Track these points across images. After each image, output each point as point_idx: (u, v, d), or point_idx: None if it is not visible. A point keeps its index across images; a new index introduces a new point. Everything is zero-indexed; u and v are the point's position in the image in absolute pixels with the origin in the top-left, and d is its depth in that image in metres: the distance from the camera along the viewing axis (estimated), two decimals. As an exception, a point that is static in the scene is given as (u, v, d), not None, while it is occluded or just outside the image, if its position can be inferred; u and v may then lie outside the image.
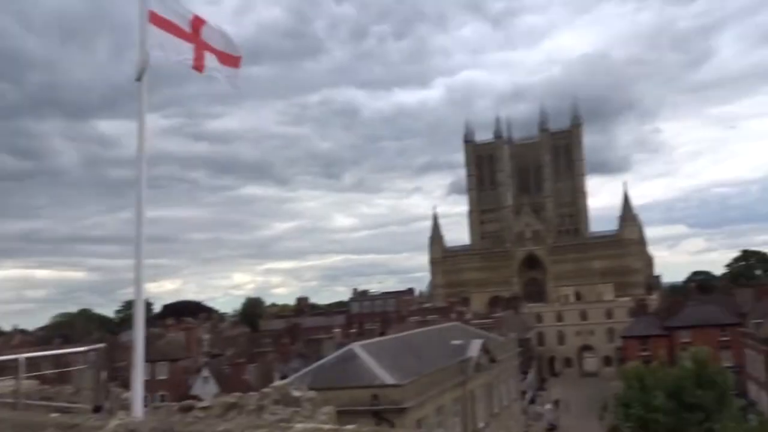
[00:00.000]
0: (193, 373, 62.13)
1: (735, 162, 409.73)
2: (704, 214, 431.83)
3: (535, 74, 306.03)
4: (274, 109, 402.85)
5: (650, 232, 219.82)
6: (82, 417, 4.14)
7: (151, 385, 59.41)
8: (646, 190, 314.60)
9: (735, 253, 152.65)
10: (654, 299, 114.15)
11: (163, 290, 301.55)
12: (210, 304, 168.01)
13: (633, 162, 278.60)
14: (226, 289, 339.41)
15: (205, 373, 59.50)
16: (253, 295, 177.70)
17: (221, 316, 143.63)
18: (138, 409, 6.04)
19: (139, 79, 6.26)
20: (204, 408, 6.45)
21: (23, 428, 4.13)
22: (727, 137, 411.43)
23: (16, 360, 6.59)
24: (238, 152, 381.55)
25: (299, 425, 3.15)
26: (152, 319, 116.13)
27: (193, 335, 68.39)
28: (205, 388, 55.96)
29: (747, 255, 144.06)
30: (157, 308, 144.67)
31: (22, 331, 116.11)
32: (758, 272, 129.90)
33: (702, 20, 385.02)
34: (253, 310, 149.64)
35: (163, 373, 61.05)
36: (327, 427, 3.06)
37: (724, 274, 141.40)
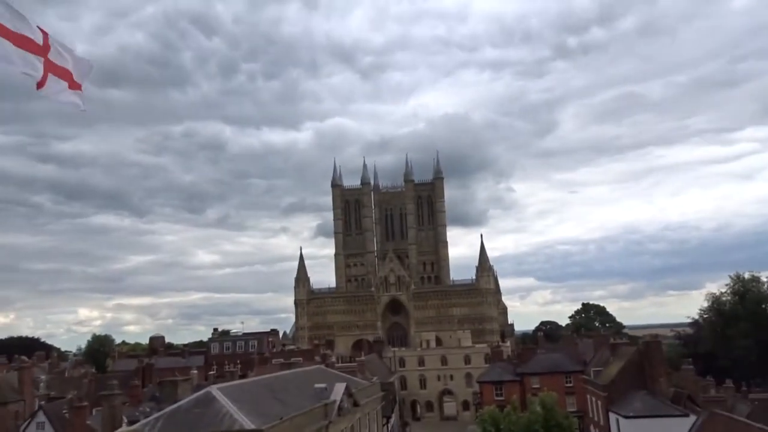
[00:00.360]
0: (26, 418, 55.39)
1: (576, 223, 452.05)
2: (550, 268, 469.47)
3: (401, 127, 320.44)
4: (132, 136, 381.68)
5: (504, 283, 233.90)
6: None
7: (-30, 432, 52.18)
8: (500, 243, 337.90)
9: (576, 306, 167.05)
10: (507, 346, 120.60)
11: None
12: (49, 341, 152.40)
13: (489, 216, 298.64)
14: (69, 324, 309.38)
15: (41, 417, 53.22)
16: (100, 332, 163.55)
17: (62, 355, 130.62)
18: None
19: None
20: None
21: None
22: (570, 200, 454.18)
23: None
24: (89, 178, 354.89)
25: None
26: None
27: (27, 375, 61.15)
28: (38, 435, 50.09)
29: (587, 308, 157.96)
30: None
31: None
32: (597, 323, 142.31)
33: (547, 95, 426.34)
34: (100, 348, 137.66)
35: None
36: None
37: (568, 325, 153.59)
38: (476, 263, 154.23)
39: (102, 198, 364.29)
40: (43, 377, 73.29)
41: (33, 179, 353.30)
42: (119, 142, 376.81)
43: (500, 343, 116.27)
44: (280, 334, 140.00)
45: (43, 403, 59.16)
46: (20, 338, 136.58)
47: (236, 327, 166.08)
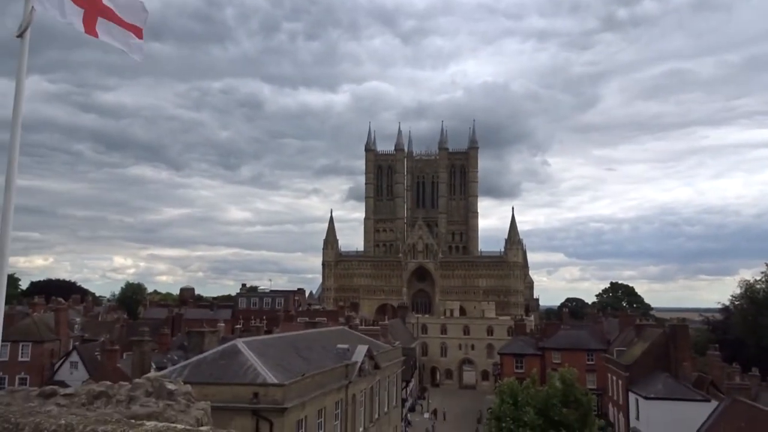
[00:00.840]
0: (61, 357, 57.89)
1: (611, 201, 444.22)
2: (581, 245, 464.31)
3: (438, 94, 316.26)
4: (172, 91, 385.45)
5: (532, 257, 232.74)
6: None
7: (10, 367, 54.77)
8: (532, 216, 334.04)
9: (605, 284, 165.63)
10: (531, 320, 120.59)
11: (33, 266, 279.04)
12: (85, 285, 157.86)
13: (522, 189, 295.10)
14: (104, 271, 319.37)
15: (74, 357, 55.61)
16: (134, 280, 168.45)
17: (97, 300, 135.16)
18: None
19: (20, 35, 5.70)
20: (68, 395, 5.89)
21: None
22: (606, 177, 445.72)
23: None
24: (130, 129, 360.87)
25: (150, 423, 2.98)
26: (17, 296, 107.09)
27: (63, 317, 63.59)
28: (73, 374, 52.29)
29: (615, 287, 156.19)
30: (24, 284, 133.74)
31: None
32: (624, 303, 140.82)
33: (592, 68, 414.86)
34: (132, 296, 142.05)
35: (25, 354, 56.37)
36: (180, 426, 2.93)
37: (594, 303, 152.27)
38: (505, 236, 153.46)
39: (140, 150, 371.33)
40: (78, 319, 76.10)
41: (75, 128, 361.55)
42: (159, 95, 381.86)
43: (524, 317, 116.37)
44: (306, 294, 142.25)
45: (77, 344, 61.63)
46: (57, 281, 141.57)
47: (264, 284, 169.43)
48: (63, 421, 3.05)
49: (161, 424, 2.95)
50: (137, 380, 6.64)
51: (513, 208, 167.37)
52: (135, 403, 5.94)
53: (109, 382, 6.47)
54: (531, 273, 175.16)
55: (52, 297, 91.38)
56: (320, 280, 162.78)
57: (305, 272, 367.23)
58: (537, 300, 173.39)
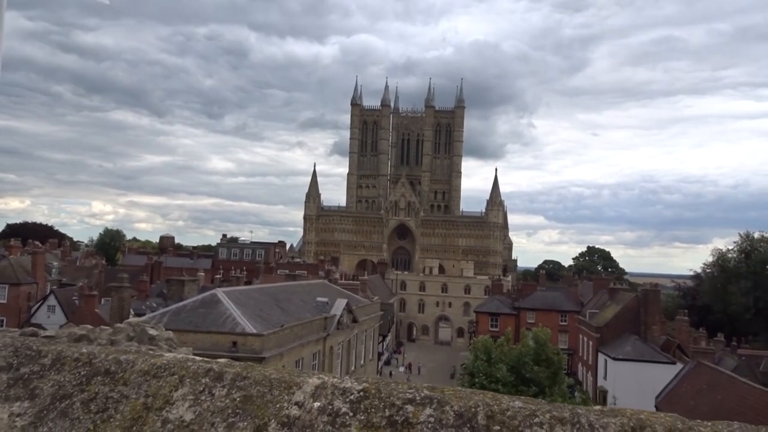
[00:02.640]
0: (38, 300, 57.77)
1: (593, 166, 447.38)
2: (561, 209, 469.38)
3: (428, 50, 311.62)
4: (156, 34, 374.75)
5: (512, 219, 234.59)
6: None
7: (-14, 308, 54.56)
8: (514, 178, 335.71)
9: (582, 248, 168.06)
10: (508, 280, 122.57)
11: (8, 208, 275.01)
12: (62, 230, 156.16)
13: (506, 151, 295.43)
14: (82, 216, 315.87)
15: (51, 301, 55.52)
16: (112, 226, 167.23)
17: (74, 244, 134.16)
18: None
19: None
20: (49, 337, 5.92)
21: None
22: (590, 142, 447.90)
23: None
24: (111, 72, 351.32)
25: (168, 354, 3.15)
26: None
27: (40, 260, 63.16)
28: (50, 317, 52.30)
29: (591, 251, 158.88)
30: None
31: None
32: (600, 268, 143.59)
33: (583, 31, 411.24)
34: (111, 242, 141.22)
35: (1, 297, 56.15)
36: (198, 358, 3.02)
37: (570, 266, 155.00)
38: (487, 197, 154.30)
39: (122, 94, 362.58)
40: (55, 264, 75.64)
41: (55, 68, 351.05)
42: (142, 38, 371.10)
43: (501, 277, 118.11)
44: (287, 247, 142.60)
45: (54, 287, 61.45)
46: (34, 224, 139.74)
47: (245, 235, 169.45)
48: (85, 350, 3.11)
49: (180, 355, 3.12)
50: (118, 325, 6.67)
51: (496, 170, 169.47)
52: (116, 346, 5.98)
53: (90, 326, 6.49)
54: (510, 234, 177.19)
55: (28, 240, 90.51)
56: (301, 234, 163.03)
57: (286, 225, 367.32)
58: (515, 261, 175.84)
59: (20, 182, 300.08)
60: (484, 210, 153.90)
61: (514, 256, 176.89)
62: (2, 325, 51.67)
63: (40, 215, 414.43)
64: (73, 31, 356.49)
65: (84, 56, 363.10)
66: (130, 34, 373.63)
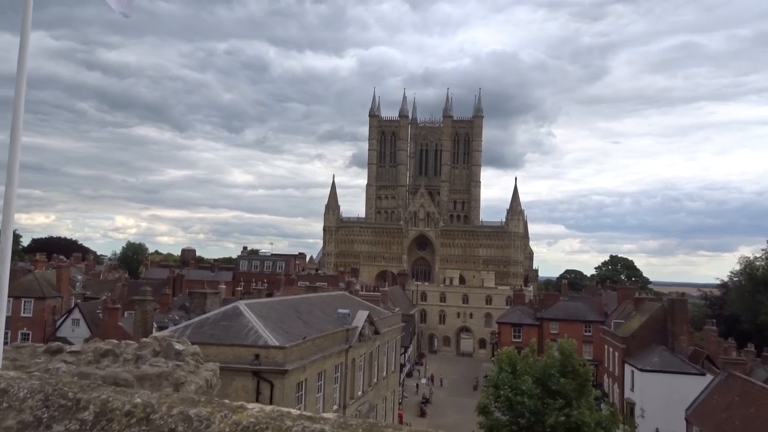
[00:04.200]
0: (62, 314, 58.40)
1: (614, 174, 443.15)
2: (582, 218, 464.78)
3: (445, 61, 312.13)
4: (177, 51, 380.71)
5: (533, 228, 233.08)
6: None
7: (12, 322, 55.26)
8: (534, 187, 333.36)
9: (604, 257, 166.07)
10: (530, 290, 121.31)
11: (34, 223, 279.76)
12: (86, 244, 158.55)
13: (526, 160, 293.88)
14: (106, 230, 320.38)
15: (76, 315, 56.09)
16: (135, 240, 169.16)
17: (98, 258, 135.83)
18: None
19: None
20: (74, 352, 5.78)
21: None
22: (611, 150, 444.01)
23: None
24: (134, 89, 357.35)
25: (253, 406, 2.30)
26: (18, 253, 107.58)
27: (64, 274, 63.94)
28: (75, 331, 52.82)
29: (614, 260, 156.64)
30: (25, 241, 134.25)
31: None
32: (623, 277, 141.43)
33: (602, 40, 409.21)
34: (133, 255, 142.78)
35: (27, 310, 56.86)
36: (296, 412, 2.26)
37: (593, 276, 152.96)
38: (507, 206, 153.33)
39: (144, 109, 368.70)
40: (79, 277, 76.58)
41: (79, 86, 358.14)
42: (164, 55, 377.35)
43: (523, 287, 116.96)
44: (307, 259, 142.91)
45: (78, 301, 62.12)
46: (59, 239, 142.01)
47: (265, 247, 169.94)
48: (139, 400, 2.31)
49: (268, 408, 2.29)
50: (144, 339, 6.53)
51: (516, 179, 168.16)
52: (143, 362, 5.85)
53: (115, 341, 6.36)
54: (531, 244, 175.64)
55: (53, 254, 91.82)
56: (321, 246, 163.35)
57: (306, 237, 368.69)
58: (536, 271, 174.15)
59: (46, 198, 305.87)
60: (504, 220, 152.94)
61: (535, 266, 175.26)
62: (28, 339, 52.31)
63: (65, 230, 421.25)
64: (97, 49, 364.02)
65: (107, 73, 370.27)
66: (153, 51, 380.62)
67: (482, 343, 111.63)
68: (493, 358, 63.80)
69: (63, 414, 2.29)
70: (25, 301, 56.76)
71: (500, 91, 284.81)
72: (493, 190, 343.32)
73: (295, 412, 2.22)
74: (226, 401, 2.36)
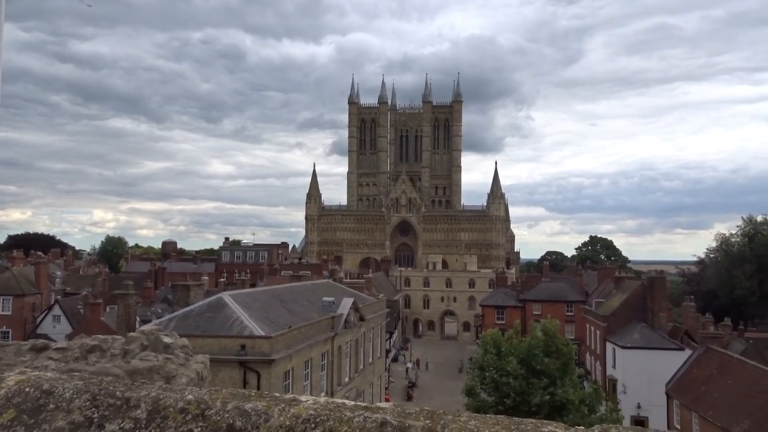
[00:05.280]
0: (43, 311, 57.63)
1: (592, 156, 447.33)
2: (561, 200, 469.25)
3: (424, 47, 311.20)
4: (152, 41, 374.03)
5: (514, 211, 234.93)
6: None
7: (-9, 321, 54.46)
8: (514, 171, 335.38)
9: (584, 238, 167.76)
10: (512, 273, 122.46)
11: (10, 220, 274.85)
12: (64, 239, 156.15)
13: (505, 144, 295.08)
14: (84, 224, 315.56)
15: (56, 311, 55.39)
16: (114, 234, 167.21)
17: (77, 253, 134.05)
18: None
19: None
20: (60, 349, 5.75)
21: None
22: (588, 132, 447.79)
23: None
24: (108, 80, 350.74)
25: (307, 399, 2.28)
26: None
27: (43, 270, 63.00)
28: (56, 327, 52.21)
29: (594, 240, 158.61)
30: (1, 238, 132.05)
31: None
32: (603, 257, 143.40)
33: (578, 23, 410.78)
34: (113, 249, 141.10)
35: (6, 308, 56.00)
36: (351, 402, 2.23)
37: (573, 256, 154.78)
38: (488, 190, 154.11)
39: (120, 101, 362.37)
40: (58, 273, 75.55)
41: (52, 78, 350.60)
42: (138, 45, 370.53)
43: (505, 270, 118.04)
44: (290, 248, 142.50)
45: (59, 297, 61.32)
46: (36, 234, 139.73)
47: (247, 238, 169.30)
48: (191, 396, 2.27)
49: (322, 400, 2.24)
50: (132, 334, 6.51)
51: (496, 163, 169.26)
52: (131, 356, 5.84)
53: (102, 336, 6.33)
54: (512, 227, 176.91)
55: (30, 251, 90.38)
56: (303, 234, 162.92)
57: (288, 226, 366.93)
58: (518, 253, 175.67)
59: (21, 193, 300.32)
60: (485, 204, 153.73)
61: (516, 249, 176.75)
62: (8, 338, 51.60)
63: (42, 225, 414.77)
64: (69, 41, 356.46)
65: (81, 65, 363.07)
66: (126, 41, 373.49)
67: (466, 326, 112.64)
68: (477, 341, 64.48)
69: (114, 413, 2.26)
70: (3, 299, 55.87)
71: (479, 76, 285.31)
72: (474, 174, 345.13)
73: (350, 403, 2.21)
74: (278, 395, 2.35)
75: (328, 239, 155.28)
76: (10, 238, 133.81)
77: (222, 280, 76.55)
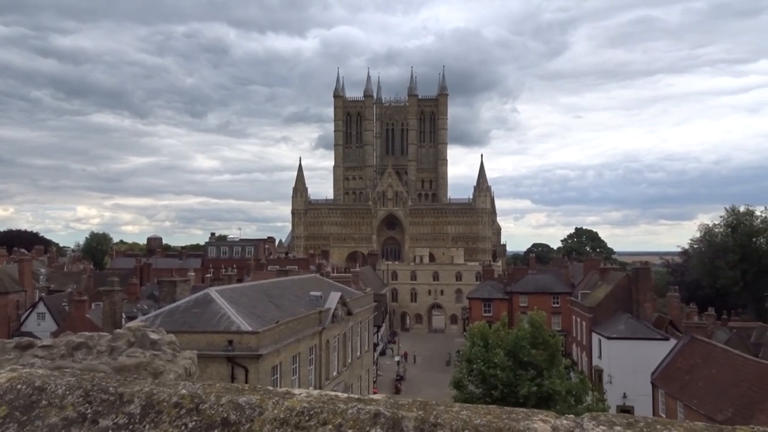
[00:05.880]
0: (27, 308, 57.00)
1: (577, 148, 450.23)
2: (547, 192, 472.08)
3: (409, 40, 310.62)
4: (134, 35, 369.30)
5: (500, 204, 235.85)
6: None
7: (-26, 319, 53.76)
8: (500, 164, 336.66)
9: (569, 230, 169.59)
10: (499, 265, 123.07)
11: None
12: (48, 236, 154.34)
13: (491, 137, 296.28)
14: (67, 221, 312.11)
15: (41, 308, 54.82)
16: (98, 230, 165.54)
17: (61, 250, 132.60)
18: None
19: None
20: (46, 347, 5.75)
21: None
22: (573, 125, 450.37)
23: None
24: (90, 75, 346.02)
25: (299, 392, 2.34)
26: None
27: (27, 267, 62.28)
28: (41, 325, 51.69)
29: (579, 232, 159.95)
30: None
31: None
32: (588, 248, 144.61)
33: (562, 15, 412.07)
34: (98, 246, 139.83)
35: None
36: (344, 395, 2.23)
37: (559, 248, 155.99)
38: (474, 183, 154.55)
39: (102, 96, 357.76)
40: (42, 270, 74.71)
41: (33, 73, 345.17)
42: (121, 39, 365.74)
43: (492, 263, 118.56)
44: (276, 243, 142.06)
45: (43, 295, 60.68)
46: (19, 231, 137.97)
47: (233, 233, 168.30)
48: (184, 391, 2.29)
49: (315, 392, 2.27)
50: (118, 330, 6.48)
51: (482, 156, 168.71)
52: (118, 353, 5.82)
53: (88, 333, 6.31)
54: (498, 219, 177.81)
55: (14, 248, 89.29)
56: (290, 229, 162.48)
57: (274, 221, 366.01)
58: (504, 246, 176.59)
59: (3, 190, 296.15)
60: (471, 197, 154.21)
61: (503, 241, 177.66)
62: (-8, 336, 50.96)
63: (24, 222, 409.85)
64: (50, 35, 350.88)
65: (63, 60, 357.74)
66: (109, 35, 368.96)
67: (453, 319, 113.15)
68: (464, 334, 64.88)
69: (108, 408, 2.26)
70: (-14, 297, 55.17)
71: (464, 69, 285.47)
72: (460, 167, 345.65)
73: (342, 395, 2.22)
74: (271, 388, 2.37)
75: (314, 233, 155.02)
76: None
77: (208, 275, 76.17)
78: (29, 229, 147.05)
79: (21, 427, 2.24)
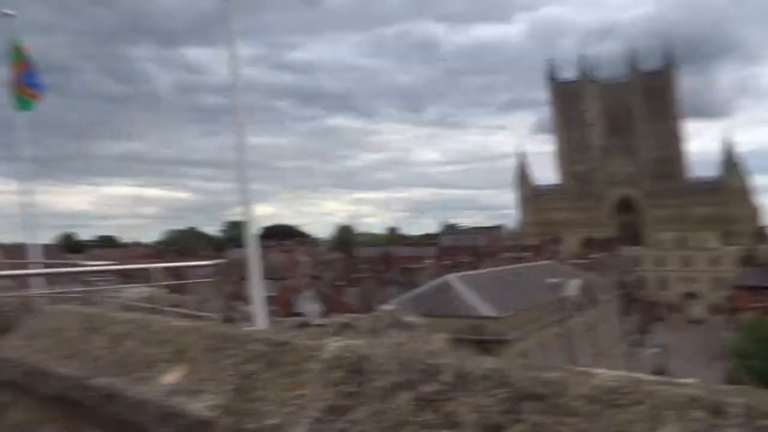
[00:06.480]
0: (297, 292, 64.86)
1: None
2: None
3: (623, 11, 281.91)
4: (351, 41, 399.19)
5: (758, 181, 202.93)
6: (287, 335, 3.34)
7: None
8: (752, 136, 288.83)
9: None
10: (765, 249, 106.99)
11: (259, 214, 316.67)
12: (302, 229, 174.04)
13: (735, 107, 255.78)
14: (316, 215, 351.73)
15: (309, 293, 62.03)
16: (344, 222, 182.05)
17: (315, 241, 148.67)
18: (263, 322, 6.30)
19: None
20: (320, 326, 6.48)
21: (224, 341, 3.33)
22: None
23: (147, 269, 7.40)
24: (321, 83, 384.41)
25: (601, 372, 2.24)
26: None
27: (293, 257, 71.18)
28: (309, 307, 58.57)
29: None
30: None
31: (139, 244, 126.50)
32: None
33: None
34: (345, 236, 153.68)
35: (271, 290, 64.19)
36: (647, 377, 2.15)
37: None
38: (718, 159, 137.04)
39: (333, 101, 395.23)
40: (304, 259, 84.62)
41: (275, 87, 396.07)
42: (341, 47, 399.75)
43: (756, 246, 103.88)
44: (505, 230, 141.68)
45: (308, 281, 68.59)
46: (282, 225, 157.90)
47: (462, 221, 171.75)
48: (490, 365, 2.37)
49: (613, 372, 2.25)
50: (376, 313, 7.04)
51: (726, 128, 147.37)
52: (378, 333, 6.26)
53: (351, 315, 7.06)
54: (756, 198, 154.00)
55: (279, 240, 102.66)
56: (515, 216, 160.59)
57: (500, 208, 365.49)
58: (765, 228, 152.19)
59: (265, 190, 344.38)
60: (716, 174, 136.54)
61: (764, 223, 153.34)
62: (276, 314, 59.14)
63: (284, 218, 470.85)
64: (283, 51, 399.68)
65: (297, 72, 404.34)
66: (330, 45, 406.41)
67: (714, 309, 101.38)
68: (730, 326, 57.46)
69: (425, 377, 2.43)
70: (268, 282, 64.05)
71: (691, 35, 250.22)
72: (699, 142, 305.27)
73: (646, 377, 2.12)
74: (568, 367, 2.32)
75: (542, 220, 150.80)
76: (264, 229, 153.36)
77: (445, 263, 78.83)
78: (288, 224, 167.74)
79: (357, 387, 2.48)
